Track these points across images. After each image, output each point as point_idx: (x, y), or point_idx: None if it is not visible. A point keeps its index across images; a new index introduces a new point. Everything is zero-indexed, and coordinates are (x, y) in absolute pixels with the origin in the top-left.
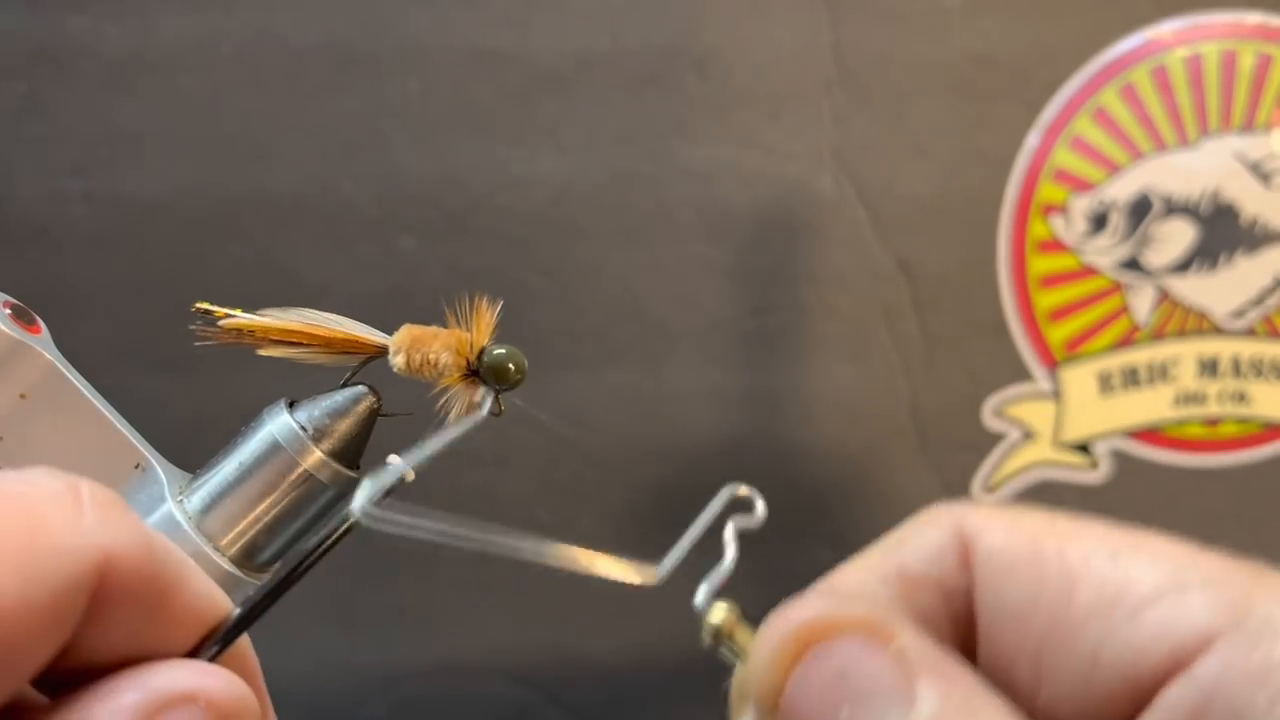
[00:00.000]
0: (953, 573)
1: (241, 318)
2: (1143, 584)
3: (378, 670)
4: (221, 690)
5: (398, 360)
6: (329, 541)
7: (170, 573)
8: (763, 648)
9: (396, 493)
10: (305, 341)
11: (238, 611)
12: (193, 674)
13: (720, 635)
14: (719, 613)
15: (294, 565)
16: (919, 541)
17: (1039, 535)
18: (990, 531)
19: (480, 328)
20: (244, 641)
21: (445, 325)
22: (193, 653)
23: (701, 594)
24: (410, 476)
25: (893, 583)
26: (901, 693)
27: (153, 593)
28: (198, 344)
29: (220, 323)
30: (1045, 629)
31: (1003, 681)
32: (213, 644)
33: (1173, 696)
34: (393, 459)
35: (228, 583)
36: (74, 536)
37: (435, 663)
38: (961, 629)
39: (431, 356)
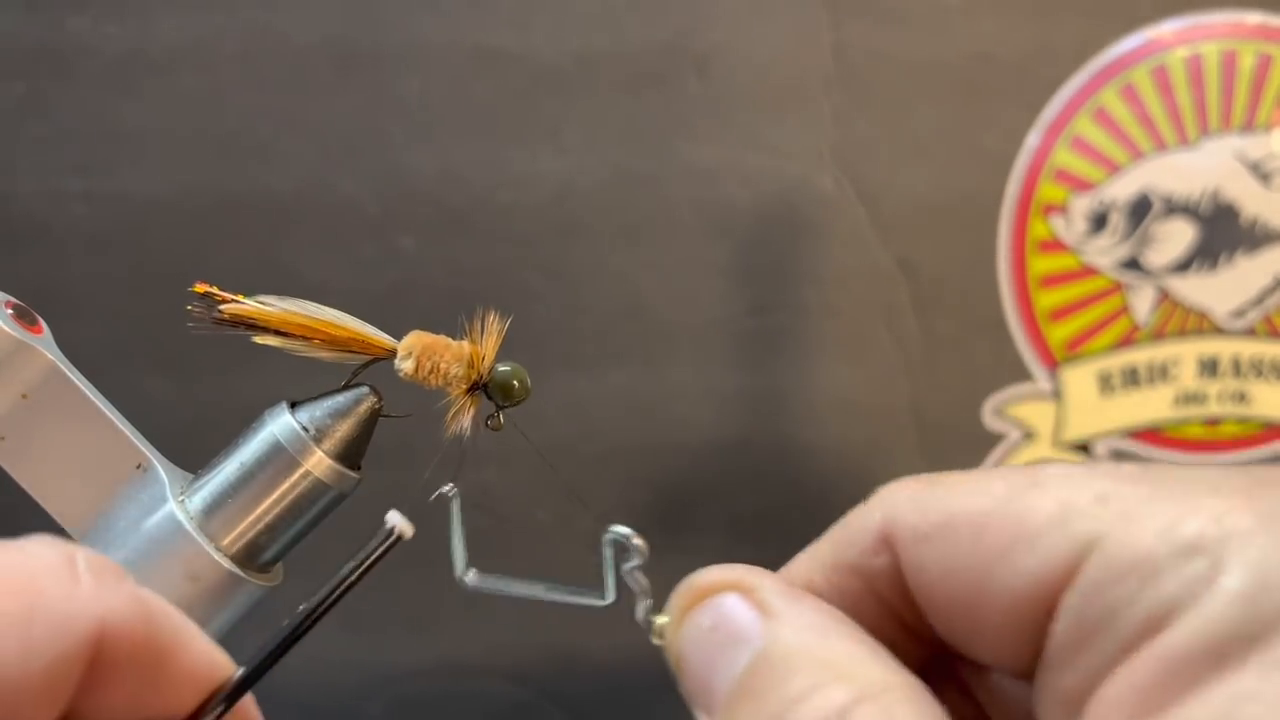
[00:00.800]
0: (873, 557)
1: (244, 304)
2: (1038, 515)
3: (378, 670)
4: None
5: (406, 365)
6: (330, 600)
7: (168, 637)
8: (669, 620)
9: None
10: (306, 335)
11: (240, 673)
12: None
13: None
14: (661, 620)
15: (295, 625)
16: (845, 533)
17: (948, 499)
18: (904, 509)
19: (489, 343)
20: (247, 700)
21: (447, 328)
22: (195, 717)
23: (640, 612)
24: (409, 534)
25: (828, 572)
26: (758, 632)
27: (151, 658)
28: (192, 326)
29: (223, 308)
30: (966, 587)
31: (960, 647)
32: (216, 705)
33: (1064, 606)
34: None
35: (229, 582)
36: (70, 604)
37: (435, 663)
38: (903, 606)
39: (442, 366)
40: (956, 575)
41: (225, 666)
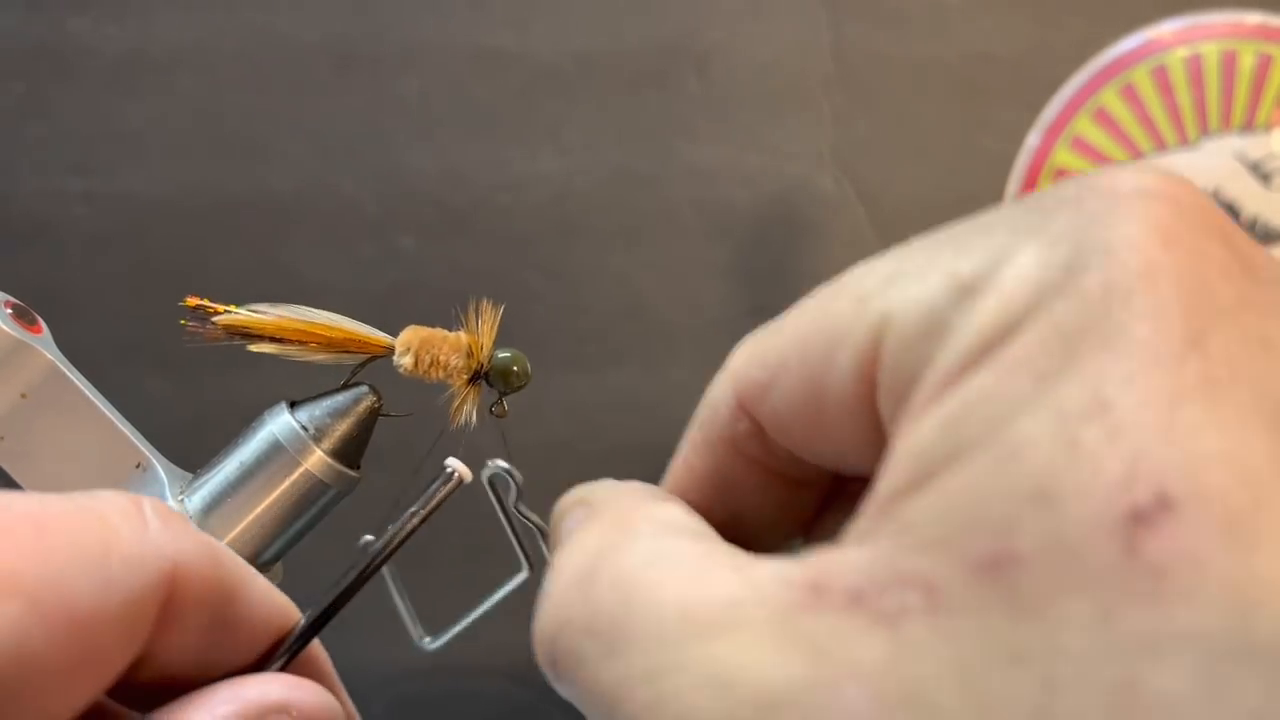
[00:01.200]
0: (735, 424)
1: (236, 314)
2: (840, 316)
3: (377, 670)
4: (311, 701)
5: (405, 361)
6: (396, 543)
7: (235, 581)
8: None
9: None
10: (302, 339)
11: (306, 617)
12: (284, 686)
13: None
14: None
15: (362, 568)
16: (707, 412)
17: (775, 339)
18: (746, 369)
19: (486, 331)
20: (316, 645)
21: (446, 327)
22: (265, 659)
23: (546, 548)
24: (468, 478)
25: (703, 454)
26: (582, 522)
27: (221, 600)
28: (188, 341)
29: (215, 319)
30: (813, 414)
31: (843, 471)
32: (284, 651)
33: (879, 392)
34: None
35: None
36: (144, 544)
37: (435, 663)
38: (779, 461)
39: (441, 358)
40: (802, 407)
41: (292, 612)
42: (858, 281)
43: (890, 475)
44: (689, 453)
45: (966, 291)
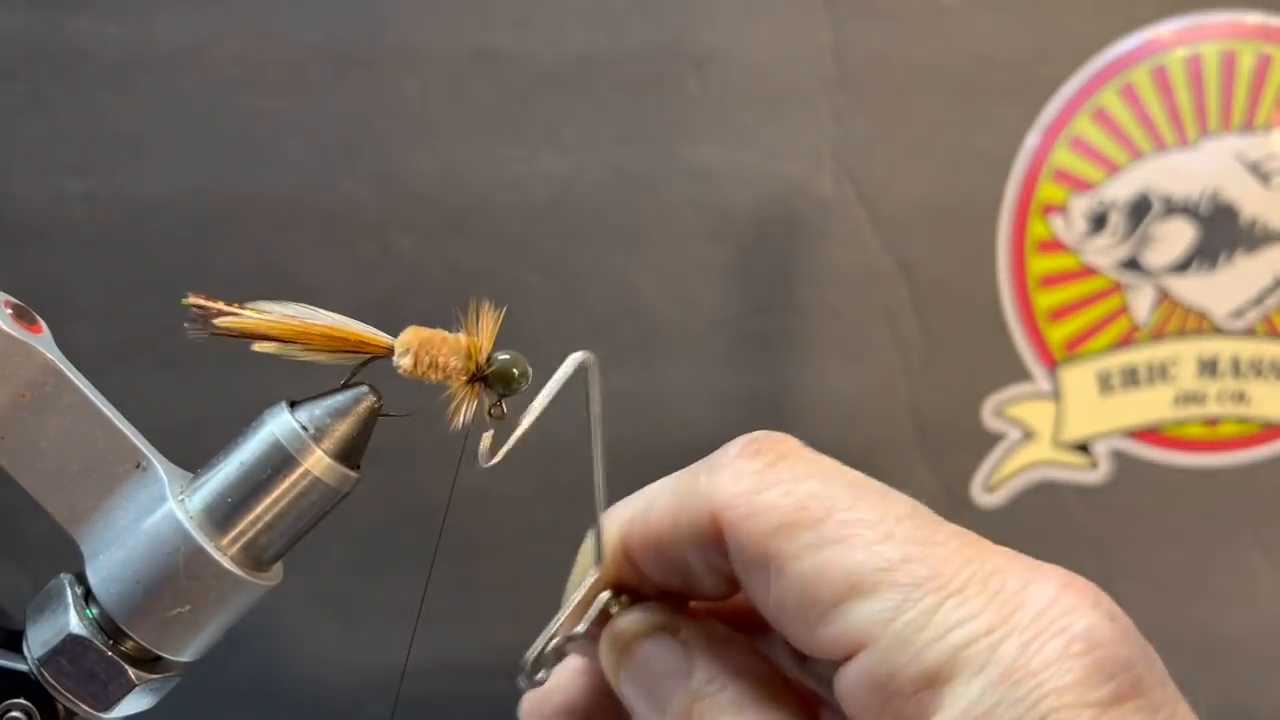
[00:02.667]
0: (705, 553)
1: (239, 314)
2: (834, 590)
3: (378, 670)
4: None
5: (405, 361)
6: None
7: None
8: (603, 654)
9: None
10: (303, 339)
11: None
12: None
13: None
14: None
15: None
16: (681, 518)
17: (772, 535)
18: (733, 533)
19: (486, 333)
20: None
21: (446, 327)
22: None
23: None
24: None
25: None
26: (685, 669)
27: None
28: (190, 334)
29: (215, 321)
30: (772, 615)
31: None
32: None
33: (839, 683)
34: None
35: (229, 582)
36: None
37: (435, 663)
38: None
39: (440, 360)
40: (764, 606)
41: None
42: (854, 570)
43: None
44: (657, 527)
45: (932, 679)
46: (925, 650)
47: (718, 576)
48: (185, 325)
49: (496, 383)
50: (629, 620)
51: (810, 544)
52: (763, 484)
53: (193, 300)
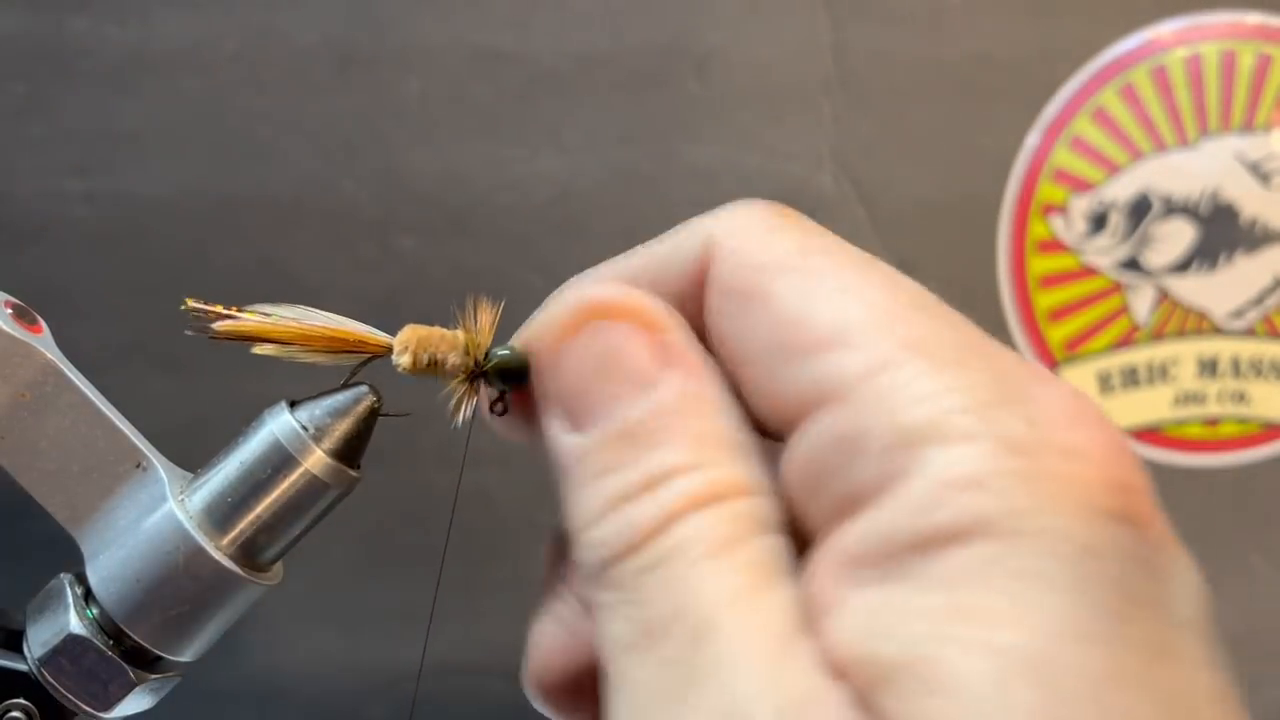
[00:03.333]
0: (688, 288)
1: (238, 317)
2: (816, 332)
3: (378, 670)
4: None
5: (403, 360)
6: None
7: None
8: (551, 313)
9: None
10: (302, 341)
11: None
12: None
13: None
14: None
15: None
16: (671, 251)
17: (763, 267)
18: (722, 258)
19: (484, 329)
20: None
21: (446, 326)
22: None
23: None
24: None
25: (647, 288)
26: (658, 377)
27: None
28: (190, 333)
29: (215, 325)
30: (736, 358)
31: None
32: None
33: (795, 439)
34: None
35: (229, 581)
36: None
37: (435, 663)
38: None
39: (439, 356)
40: (734, 343)
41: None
42: (860, 332)
43: (842, 629)
44: (640, 270)
45: (900, 442)
46: (906, 409)
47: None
48: (185, 330)
49: (496, 378)
50: (610, 292)
51: (806, 288)
52: (772, 225)
53: (192, 304)
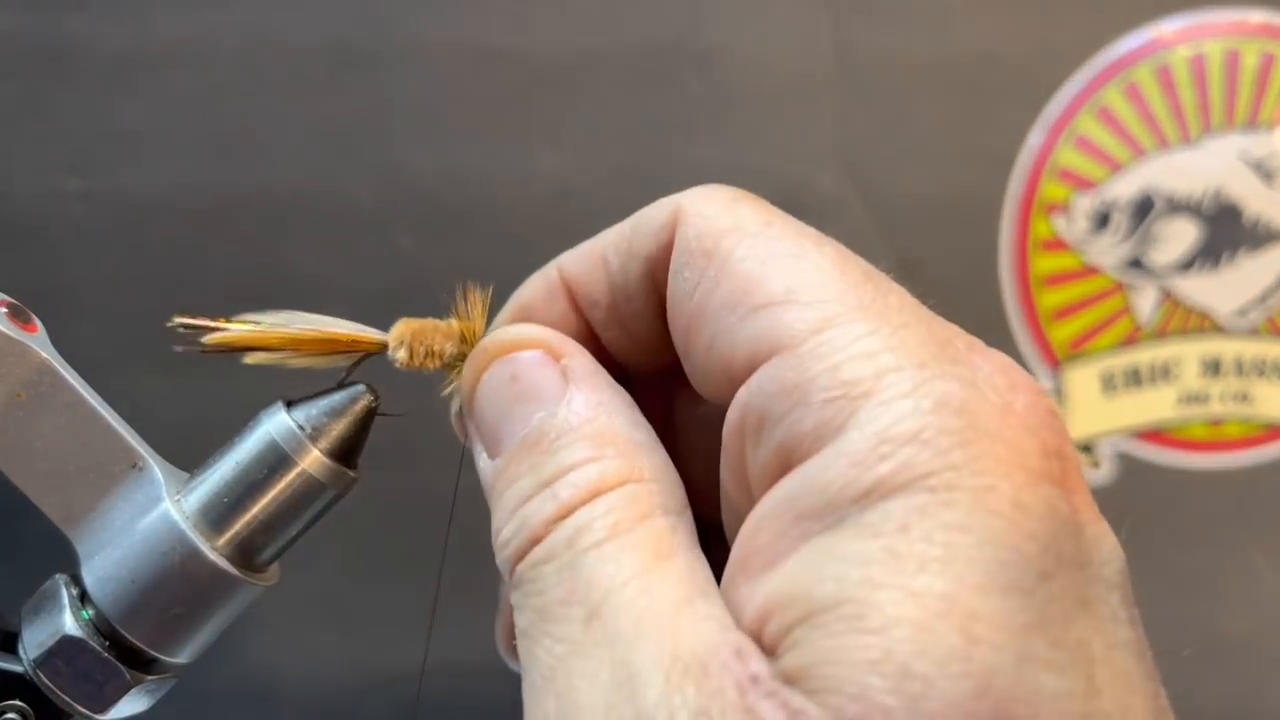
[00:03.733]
0: (656, 252)
1: (226, 329)
2: (770, 290)
3: (376, 670)
4: None
5: (400, 354)
6: None
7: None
8: (470, 358)
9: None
10: (294, 347)
11: None
12: None
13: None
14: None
15: None
16: (641, 221)
17: (726, 232)
18: (689, 221)
19: (477, 316)
20: None
21: (439, 319)
22: None
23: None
24: None
25: (621, 257)
26: (559, 395)
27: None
28: (180, 349)
29: (204, 339)
30: (691, 315)
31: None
32: None
33: (739, 394)
34: None
35: (225, 582)
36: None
37: (435, 663)
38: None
39: (435, 347)
40: (690, 303)
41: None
42: (809, 289)
43: (770, 592)
44: (609, 246)
45: (838, 391)
46: (850, 363)
47: (645, 307)
48: (175, 347)
49: None
50: (515, 330)
51: (763, 251)
52: (737, 198)
53: (179, 320)
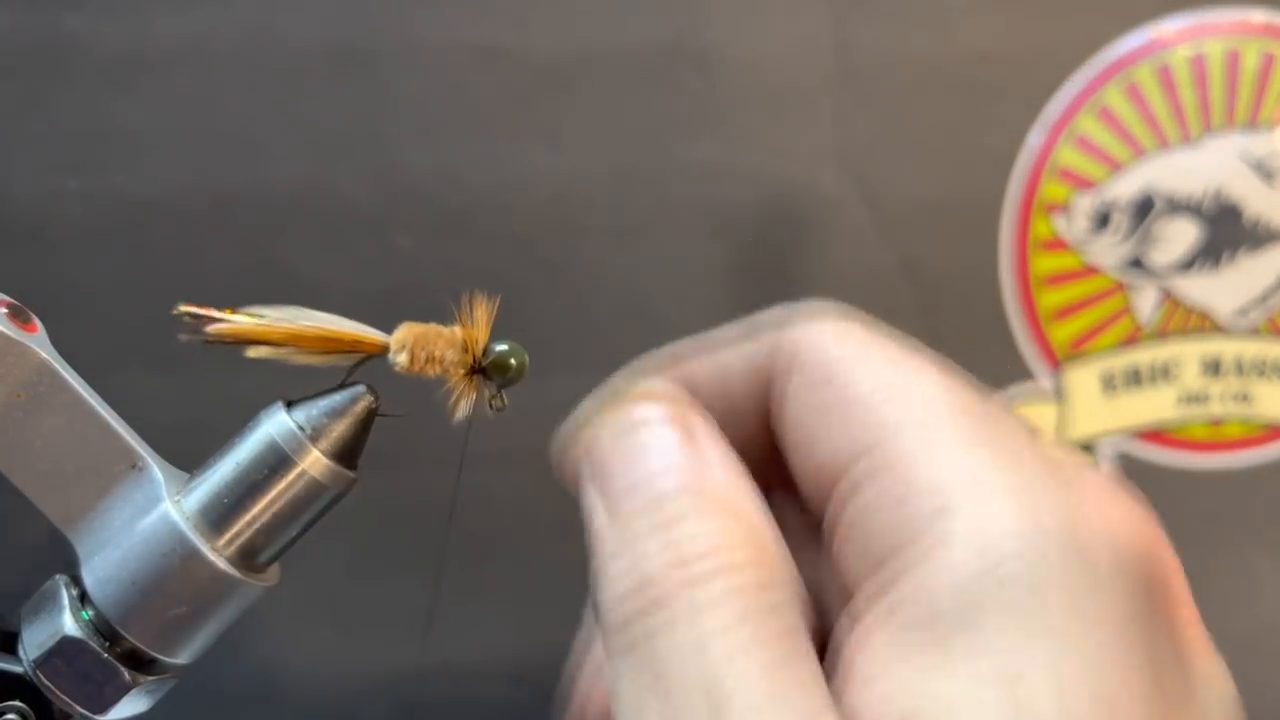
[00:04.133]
0: (753, 386)
1: (230, 322)
2: (877, 401)
3: (376, 671)
4: None
5: (401, 358)
6: None
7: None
8: (597, 400)
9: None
10: (298, 343)
11: None
12: None
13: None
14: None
15: None
16: (736, 359)
17: (845, 353)
18: (808, 342)
19: (481, 324)
20: None
21: (442, 323)
22: None
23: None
24: None
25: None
26: (682, 462)
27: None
28: (183, 338)
29: (207, 329)
30: (801, 426)
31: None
32: None
33: (840, 498)
34: None
35: (225, 583)
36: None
37: (435, 663)
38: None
39: (437, 354)
40: (798, 413)
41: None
42: (896, 394)
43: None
44: (727, 364)
45: (936, 514)
46: (957, 475)
47: (750, 420)
48: (179, 335)
49: (495, 373)
50: (652, 383)
51: (873, 371)
52: (848, 323)
53: (184, 309)
